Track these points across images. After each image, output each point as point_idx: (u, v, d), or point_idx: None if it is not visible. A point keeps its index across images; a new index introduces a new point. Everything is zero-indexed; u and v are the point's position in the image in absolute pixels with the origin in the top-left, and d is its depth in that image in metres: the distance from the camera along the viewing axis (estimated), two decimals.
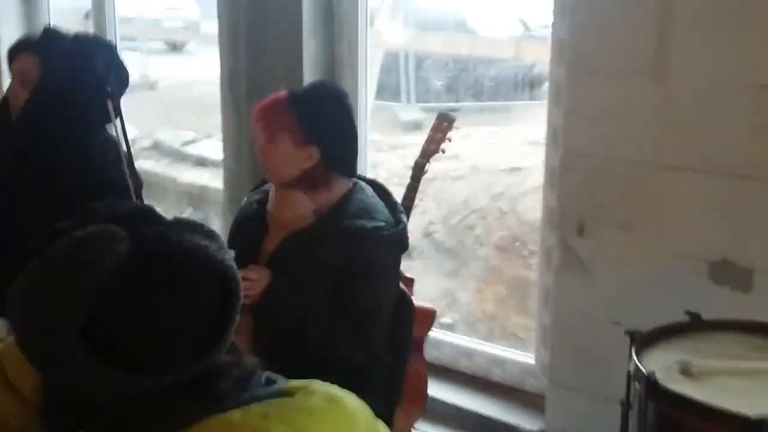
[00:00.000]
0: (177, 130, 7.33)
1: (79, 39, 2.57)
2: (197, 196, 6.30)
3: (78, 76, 2.43)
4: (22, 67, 2.53)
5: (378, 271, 2.04)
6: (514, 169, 5.63)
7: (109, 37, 3.77)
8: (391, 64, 6.56)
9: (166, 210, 5.88)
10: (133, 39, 7.67)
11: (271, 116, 2.04)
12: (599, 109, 2.48)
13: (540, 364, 2.90)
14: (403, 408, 2.65)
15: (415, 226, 5.56)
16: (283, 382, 1.09)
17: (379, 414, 2.08)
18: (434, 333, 3.24)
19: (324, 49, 3.17)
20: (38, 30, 2.70)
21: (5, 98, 2.60)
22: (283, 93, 2.08)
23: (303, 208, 2.07)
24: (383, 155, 5.98)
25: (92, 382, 0.94)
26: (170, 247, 0.97)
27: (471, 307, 4.98)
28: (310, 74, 3.12)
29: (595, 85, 2.48)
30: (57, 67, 2.44)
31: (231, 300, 1.00)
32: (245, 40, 3.22)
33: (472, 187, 5.68)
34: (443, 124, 2.74)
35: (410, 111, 6.79)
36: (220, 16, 3.29)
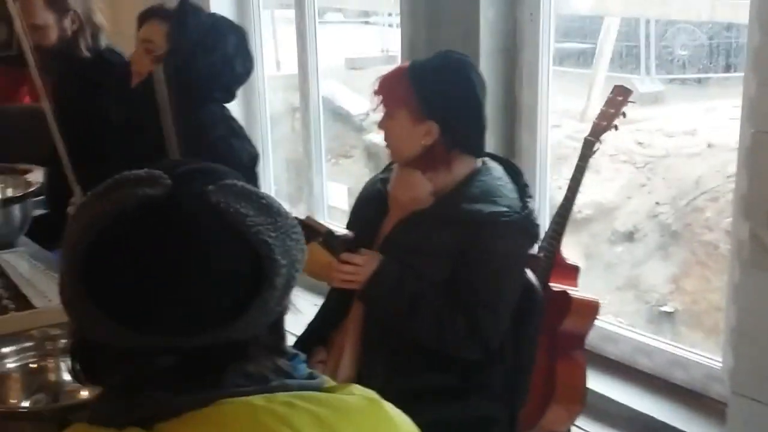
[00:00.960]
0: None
1: (214, 16, 2.57)
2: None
3: (208, 51, 2.42)
4: (150, 35, 2.53)
5: (497, 260, 1.86)
6: None
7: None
8: (630, 31, 6.17)
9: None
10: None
11: (389, 90, 1.91)
12: None
13: (726, 369, 2.57)
14: (559, 407, 2.46)
15: (640, 206, 5.22)
16: (323, 379, 0.99)
17: (496, 416, 1.94)
18: (611, 326, 2.98)
19: (504, 17, 2.97)
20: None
21: (127, 64, 2.62)
22: (405, 64, 1.94)
23: (420, 189, 1.92)
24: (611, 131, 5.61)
25: (96, 330, 0.89)
26: (201, 205, 0.88)
27: (696, 297, 4.60)
28: (486, 43, 2.95)
29: None
30: (188, 39, 2.44)
31: (261, 278, 0.89)
32: (424, 9, 3.10)
33: (707, 165, 5.22)
34: (618, 98, 2.47)
35: (650, 83, 6.34)
36: None
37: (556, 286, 2.51)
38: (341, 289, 1.93)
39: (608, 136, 2.47)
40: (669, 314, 4.44)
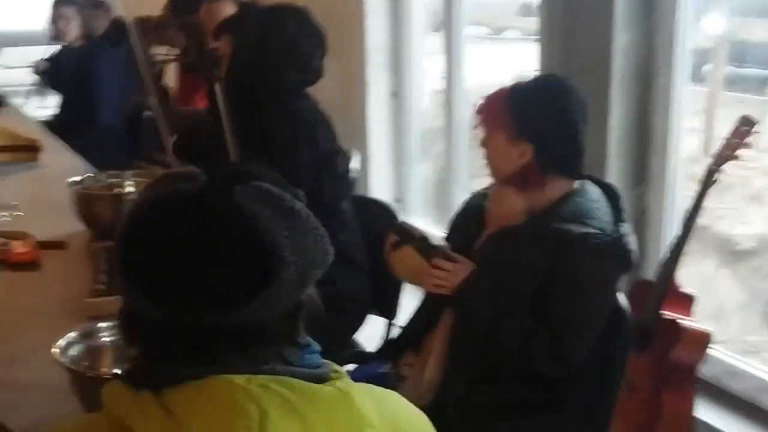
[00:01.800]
0: None
1: (266, 9, 2.70)
2: None
3: (268, 43, 2.55)
4: (221, 51, 2.73)
5: (584, 282, 1.89)
6: None
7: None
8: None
9: None
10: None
11: (488, 110, 1.99)
12: None
13: None
14: None
15: None
16: (326, 370, 1.06)
17: None
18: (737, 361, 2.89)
19: (638, 42, 2.96)
20: None
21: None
22: (506, 87, 2.00)
23: (513, 206, 1.98)
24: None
25: (130, 303, 1.02)
26: (223, 202, 0.99)
27: None
28: (619, 69, 2.95)
29: None
30: (247, 40, 2.59)
31: (269, 271, 0.99)
32: (560, 32, 3.13)
33: None
34: (743, 128, 2.43)
35: None
36: (540, 7, 3.23)
37: (667, 314, 2.48)
38: (435, 295, 2.00)
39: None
40: None
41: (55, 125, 4.44)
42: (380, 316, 2.63)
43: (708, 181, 2.45)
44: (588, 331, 1.91)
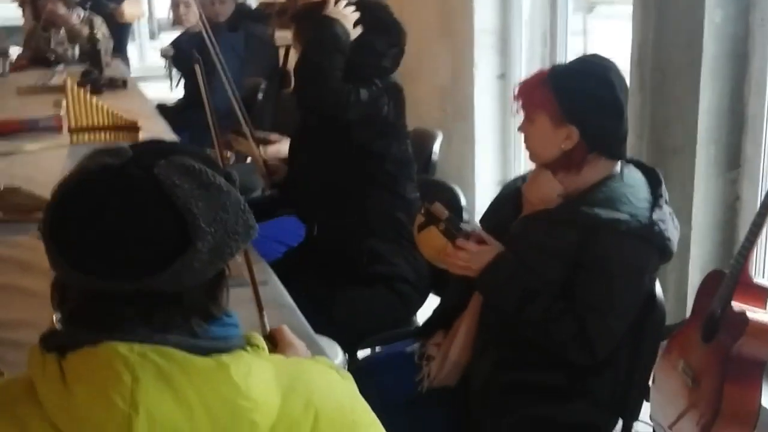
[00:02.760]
0: None
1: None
2: None
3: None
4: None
5: (612, 268, 1.84)
6: None
7: None
8: None
9: None
10: None
11: (529, 94, 1.95)
12: None
13: None
14: (724, 428, 2.35)
15: None
16: (234, 343, 1.09)
17: (599, 424, 1.91)
18: None
19: (733, 20, 2.82)
20: None
21: None
22: (545, 69, 1.97)
23: (548, 189, 1.95)
24: None
25: (58, 270, 1.06)
26: (143, 174, 1.06)
27: None
28: (711, 48, 2.82)
29: None
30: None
31: (185, 240, 1.04)
32: (655, 11, 3.02)
33: None
34: None
35: None
36: None
37: (737, 305, 2.37)
38: (465, 277, 2.00)
39: None
40: None
41: (179, 107, 4.67)
42: (439, 296, 2.64)
43: None
44: (615, 319, 1.85)
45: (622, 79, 1.92)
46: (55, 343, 1.04)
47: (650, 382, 2.48)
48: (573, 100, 1.89)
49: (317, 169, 2.65)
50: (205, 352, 1.04)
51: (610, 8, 8.04)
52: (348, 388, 1.19)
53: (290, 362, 1.18)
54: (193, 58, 1.63)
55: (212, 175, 1.08)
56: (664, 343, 2.59)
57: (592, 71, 1.92)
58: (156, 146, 1.13)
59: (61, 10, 5.58)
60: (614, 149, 1.93)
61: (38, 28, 5.64)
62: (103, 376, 0.99)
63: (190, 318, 1.08)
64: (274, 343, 1.49)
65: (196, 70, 1.56)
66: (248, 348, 1.09)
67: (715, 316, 2.41)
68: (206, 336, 1.08)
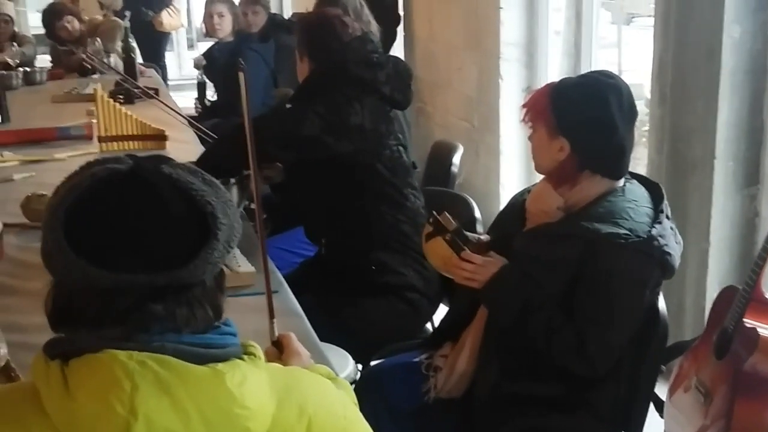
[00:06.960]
0: None
1: None
2: None
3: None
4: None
5: (612, 282, 1.85)
6: None
7: None
8: None
9: None
10: None
11: (533, 104, 1.98)
12: None
13: None
14: None
15: None
16: (231, 351, 1.11)
17: None
18: None
19: (752, 35, 2.81)
20: None
21: None
22: (553, 83, 2.00)
23: (548, 202, 1.97)
24: None
25: (70, 272, 1.07)
26: (157, 174, 1.10)
27: None
28: (729, 63, 2.82)
29: None
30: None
31: (206, 230, 1.08)
32: (675, 25, 3.02)
33: None
34: None
35: None
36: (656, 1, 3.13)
37: (749, 321, 2.37)
38: (472, 289, 2.03)
39: None
40: None
41: (209, 115, 4.74)
42: (450, 305, 2.65)
43: None
44: (614, 332, 1.87)
45: (622, 97, 1.92)
46: (58, 351, 1.07)
47: (667, 399, 2.49)
48: (565, 113, 1.92)
49: (313, 194, 2.68)
50: (202, 360, 1.06)
51: (649, 20, 7.97)
52: (342, 397, 1.22)
53: (285, 371, 1.21)
54: (238, 66, 1.66)
55: (210, 177, 1.13)
56: (679, 360, 2.59)
57: (590, 87, 1.94)
58: (148, 156, 1.16)
59: (76, 24, 5.70)
60: (605, 167, 1.94)
61: (57, 48, 5.73)
62: (103, 382, 1.02)
63: (206, 312, 1.10)
64: (281, 348, 1.53)
65: (240, 78, 1.59)
66: (245, 356, 1.11)
67: (727, 333, 2.40)
68: (202, 343, 1.09)
